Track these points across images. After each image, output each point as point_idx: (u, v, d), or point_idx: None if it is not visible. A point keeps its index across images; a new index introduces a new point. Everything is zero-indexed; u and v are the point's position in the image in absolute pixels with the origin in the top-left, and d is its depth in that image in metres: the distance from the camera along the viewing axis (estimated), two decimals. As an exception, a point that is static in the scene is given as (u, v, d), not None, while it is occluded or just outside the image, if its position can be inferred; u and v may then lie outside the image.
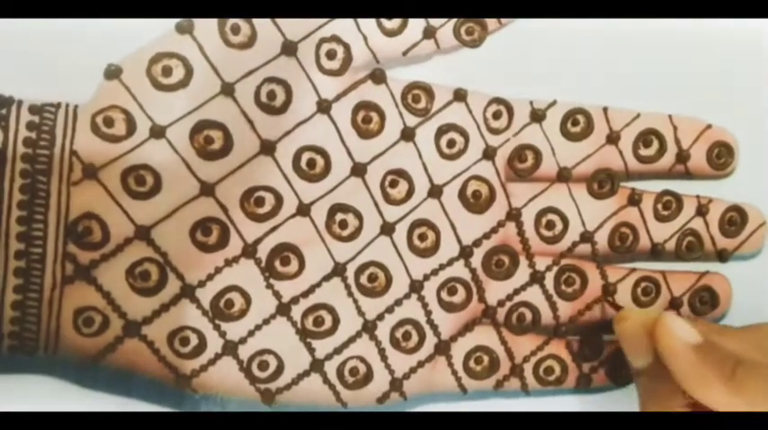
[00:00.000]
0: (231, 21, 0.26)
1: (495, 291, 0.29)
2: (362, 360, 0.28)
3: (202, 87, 0.26)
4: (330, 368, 0.28)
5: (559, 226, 0.29)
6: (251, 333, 0.27)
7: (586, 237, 0.29)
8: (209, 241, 0.26)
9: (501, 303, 0.29)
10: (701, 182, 0.30)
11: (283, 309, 0.27)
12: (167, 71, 0.25)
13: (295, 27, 0.26)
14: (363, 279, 0.28)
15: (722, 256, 0.31)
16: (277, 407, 0.27)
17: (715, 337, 0.25)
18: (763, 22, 0.30)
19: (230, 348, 0.27)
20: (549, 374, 0.29)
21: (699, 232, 0.30)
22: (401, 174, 0.28)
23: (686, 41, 0.30)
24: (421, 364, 0.28)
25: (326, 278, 0.27)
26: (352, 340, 0.28)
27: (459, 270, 0.28)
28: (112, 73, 0.25)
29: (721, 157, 0.30)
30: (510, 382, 0.29)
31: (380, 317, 0.28)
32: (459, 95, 0.28)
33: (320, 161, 0.27)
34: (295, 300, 0.27)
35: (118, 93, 0.25)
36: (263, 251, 0.27)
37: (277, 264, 0.27)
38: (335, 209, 0.27)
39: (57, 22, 0.25)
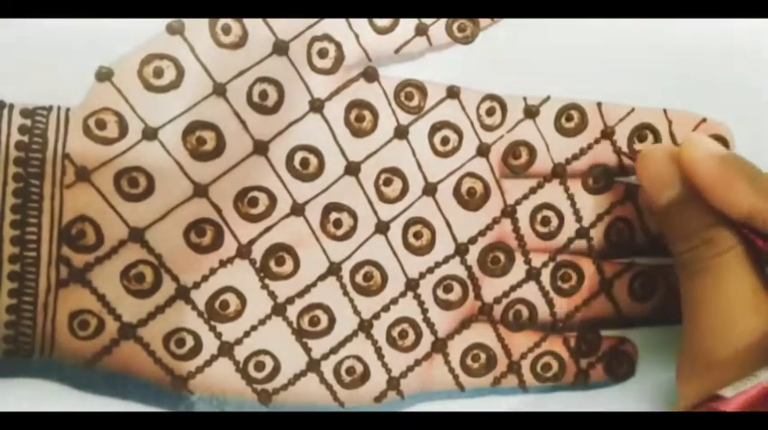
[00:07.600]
0: (222, 21, 0.26)
1: (492, 288, 0.29)
2: (359, 359, 0.28)
3: (194, 88, 0.26)
4: (327, 368, 0.27)
5: (555, 222, 0.29)
6: (247, 334, 0.27)
7: (582, 232, 0.29)
8: (204, 242, 0.26)
9: (497, 300, 0.29)
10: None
11: (279, 310, 0.27)
12: (159, 72, 0.25)
13: (286, 26, 0.26)
14: (359, 278, 0.28)
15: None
16: (274, 407, 0.27)
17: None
18: (764, 22, 0.29)
19: (226, 349, 0.27)
20: (547, 371, 0.29)
21: (695, 226, 0.30)
22: (395, 172, 0.27)
23: (685, 41, 0.29)
24: (418, 363, 0.28)
25: (322, 277, 0.27)
26: (348, 339, 0.28)
27: (454, 267, 0.28)
28: (104, 75, 0.25)
29: (717, 151, 0.30)
30: (507, 379, 0.29)
31: (376, 315, 0.28)
32: (453, 92, 0.28)
33: (314, 160, 0.27)
34: (290, 300, 0.27)
35: (109, 95, 0.25)
36: (257, 251, 0.27)
37: (272, 264, 0.27)
38: (330, 208, 0.27)
39: (46, 22, 0.25)
